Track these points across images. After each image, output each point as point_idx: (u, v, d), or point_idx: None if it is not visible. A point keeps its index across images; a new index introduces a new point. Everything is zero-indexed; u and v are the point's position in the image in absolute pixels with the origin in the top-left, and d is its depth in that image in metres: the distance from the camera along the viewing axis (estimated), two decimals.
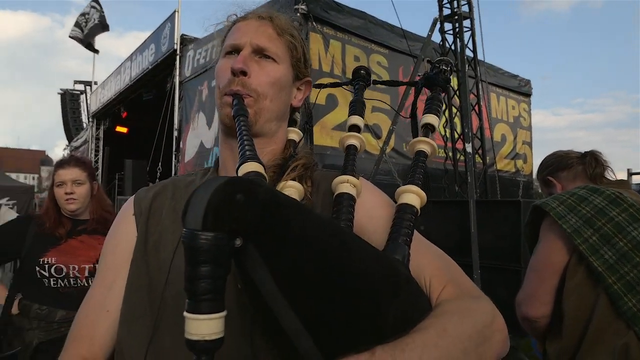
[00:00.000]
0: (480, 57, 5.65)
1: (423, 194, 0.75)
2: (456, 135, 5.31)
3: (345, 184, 0.78)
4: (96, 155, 12.66)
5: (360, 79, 1.00)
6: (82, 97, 16.05)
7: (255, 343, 0.66)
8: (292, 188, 0.77)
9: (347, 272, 0.55)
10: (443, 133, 5.35)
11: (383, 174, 5.28)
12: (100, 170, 12.23)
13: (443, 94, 0.94)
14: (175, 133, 7.78)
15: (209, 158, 6.59)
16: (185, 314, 0.46)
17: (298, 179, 0.79)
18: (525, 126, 7.95)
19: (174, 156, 7.76)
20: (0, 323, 1.90)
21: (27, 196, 9.53)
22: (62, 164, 2.03)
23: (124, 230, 0.83)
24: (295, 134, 0.94)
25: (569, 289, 1.35)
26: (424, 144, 0.82)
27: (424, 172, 0.80)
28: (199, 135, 7.01)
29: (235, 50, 0.82)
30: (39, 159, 75.78)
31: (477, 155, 5.28)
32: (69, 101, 16.00)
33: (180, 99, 7.68)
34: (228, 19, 0.89)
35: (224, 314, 0.46)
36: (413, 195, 0.75)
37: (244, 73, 0.78)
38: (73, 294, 1.91)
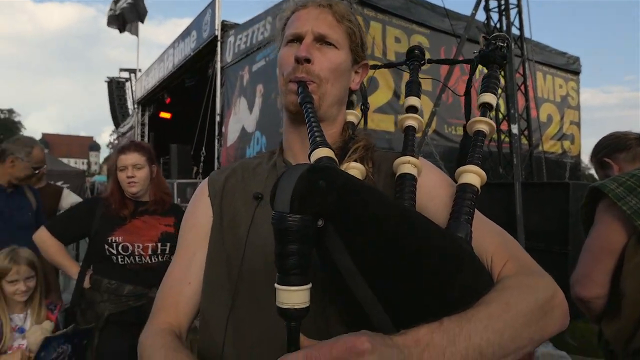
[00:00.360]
0: (527, 34, 5.45)
1: (483, 173, 0.78)
2: (500, 117, 5.19)
3: (407, 165, 0.82)
4: (142, 140, 13.17)
5: (415, 59, 1.02)
6: (127, 84, 16.62)
7: (329, 316, 0.72)
8: (355, 169, 0.81)
9: (415, 249, 0.59)
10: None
11: (425, 156, 5.23)
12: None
13: (500, 71, 0.94)
14: (218, 118, 7.95)
15: (251, 142, 6.71)
16: (276, 285, 0.52)
17: (360, 160, 0.83)
18: (573, 105, 7.62)
19: (216, 140, 7.95)
20: (74, 296, 2.08)
21: (79, 180, 10.05)
22: (124, 149, 2.16)
23: (201, 210, 0.90)
24: (353, 116, 0.98)
25: (627, 270, 1.34)
26: (482, 124, 0.84)
27: (482, 151, 0.83)
28: (241, 119, 7.13)
29: (297, 39, 0.86)
30: (87, 144, 79.23)
31: (522, 137, 5.14)
32: (115, 88, 16.64)
33: (222, 85, 7.82)
34: (286, 7, 0.92)
35: (309, 286, 0.52)
36: (473, 175, 0.78)
37: (308, 60, 0.82)
38: (139, 271, 2.06)
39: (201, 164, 8.24)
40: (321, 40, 0.85)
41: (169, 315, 0.84)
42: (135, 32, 13.84)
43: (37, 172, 2.54)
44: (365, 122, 1.01)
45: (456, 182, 0.79)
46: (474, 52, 0.97)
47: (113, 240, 2.02)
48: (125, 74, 16.87)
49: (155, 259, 2.10)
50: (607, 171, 1.74)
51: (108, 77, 17.03)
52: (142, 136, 13.16)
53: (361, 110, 1.00)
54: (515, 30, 5.23)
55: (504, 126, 5.10)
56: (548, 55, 7.21)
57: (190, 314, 0.86)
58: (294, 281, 0.51)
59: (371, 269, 0.58)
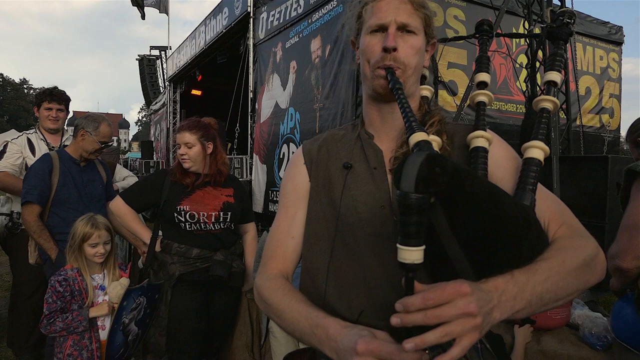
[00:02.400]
0: (567, 4, 5.31)
1: (547, 148, 0.89)
2: (538, 90, 5.12)
3: (480, 139, 0.94)
4: (174, 117, 13.42)
5: (484, 33, 1.11)
6: (158, 62, 16.84)
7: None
8: (433, 142, 0.93)
9: (498, 217, 0.73)
10: (524, 88, 5.18)
11: None
12: None
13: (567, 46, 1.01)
14: (251, 95, 8.07)
15: (284, 118, 6.80)
16: (399, 245, 0.66)
17: (436, 133, 0.96)
18: (614, 78, 7.37)
19: (249, 117, 8.09)
20: (148, 258, 2.30)
21: (113, 156, 10.40)
22: (179, 129, 2.36)
23: (299, 176, 1.06)
24: (427, 91, 1.10)
25: None
26: (547, 102, 0.94)
27: (547, 127, 0.93)
28: (274, 96, 7.21)
29: (381, 29, 0.97)
30: (117, 122, 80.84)
31: (560, 111, 5.08)
32: (146, 66, 16.88)
33: (254, 61, 7.91)
34: None
35: (423, 247, 0.65)
36: (538, 150, 0.89)
37: (395, 49, 0.94)
38: (204, 236, 2.26)
39: (235, 140, 8.42)
40: (403, 28, 0.96)
41: (278, 263, 1.01)
42: (165, 11, 13.98)
43: (104, 147, 2.71)
44: (436, 95, 1.12)
45: (521, 155, 0.91)
46: (541, 26, 1.04)
47: (181, 209, 2.21)
48: (156, 52, 17.09)
49: (218, 226, 2.29)
50: None
51: (139, 55, 17.30)
52: (174, 113, 13.43)
53: (435, 82, 1.11)
54: (555, 1, 5.11)
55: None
56: (589, 26, 6.98)
57: (294, 263, 1.02)
58: (413, 243, 0.64)
59: (462, 233, 0.72)
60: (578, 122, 6.03)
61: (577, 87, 5.62)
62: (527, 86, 4.96)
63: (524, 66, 4.80)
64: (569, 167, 4.03)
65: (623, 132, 7.66)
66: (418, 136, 0.83)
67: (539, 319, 1.94)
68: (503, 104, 6.02)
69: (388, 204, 0.93)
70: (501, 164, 0.94)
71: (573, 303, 2.10)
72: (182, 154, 2.30)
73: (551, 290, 0.75)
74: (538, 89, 5.07)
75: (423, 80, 1.11)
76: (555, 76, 0.95)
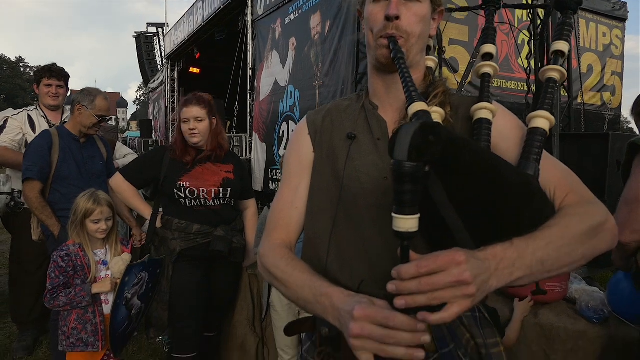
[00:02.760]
0: None
1: (552, 118, 0.87)
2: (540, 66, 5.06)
3: (483, 110, 0.92)
4: (172, 96, 13.32)
5: (491, 4, 1.09)
6: (155, 39, 16.59)
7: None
8: (436, 113, 0.92)
9: (497, 186, 0.73)
10: (526, 65, 5.12)
11: None
12: (177, 111, 12.91)
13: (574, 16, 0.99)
14: (250, 72, 7.99)
15: (284, 96, 6.75)
16: (393, 214, 0.66)
17: (440, 105, 0.94)
18: (617, 55, 7.29)
19: (248, 95, 8.02)
20: (149, 234, 2.31)
21: (113, 135, 10.38)
22: (187, 102, 2.32)
23: (303, 147, 1.06)
24: (431, 62, 1.08)
25: None
26: (554, 72, 0.92)
27: (553, 97, 0.92)
28: (273, 73, 7.14)
29: None
30: (115, 100, 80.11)
31: (562, 88, 5.04)
32: (144, 44, 16.61)
33: (253, 38, 7.80)
34: None
35: (418, 215, 0.66)
36: (543, 120, 0.87)
37: (397, 17, 0.91)
38: (204, 212, 2.27)
39: (235, 118, 8.37)
40: None
41: (282, 233, 1.02)
42: None
43: (101, 121, 2.67)
44: (441, 67, 1.11)
45: (527, 125, 0.90)
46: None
47: (181, 185, 2.21)
48: (153, 29, 16.81)
49: (218, 202, 2.29)
50: None
51: (136, 32, 17.01)
52: (173, 92, 13.30)
53: (437, 55, 1.10)
54: None
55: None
56: (592, 1, 6.86)
57: (297, 233, 1.03)
58: (408, 211, 0.65)
59: (460, 202, 0.72)
60: (579, 100, 5.98)
61: (579, 65, 5.56)
62: (529, 63, 4.91)
63: (527, 42, 4.75)
64: (570, 144, 4.01)
65: (624, 111, 7.63)
66: (417, 106, 0.82)
67: (536, 296, 1.96)
68: (504, 81, 5.97)
69: (391, 175, 0.93)
70: (506, 134, 0.93)
71: (570, 278, 2.12)
72: (192, 129, 2.27)
73: (553, 256, 0.74)
74: (540, 64, 5.02)
75: (428, 50, 1.09)
76: (563, 46, 0.93)
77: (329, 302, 0.79)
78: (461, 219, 0.73)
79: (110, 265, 2.17)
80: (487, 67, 0.98)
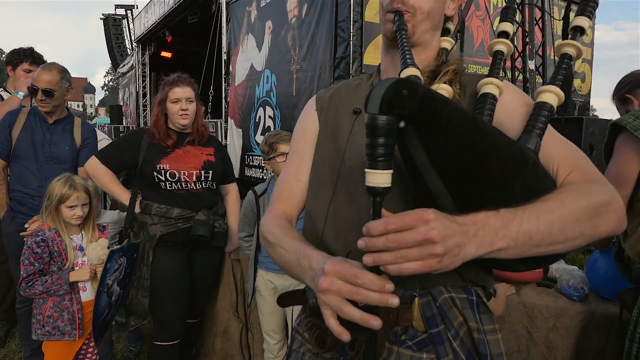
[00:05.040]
0: None
1: (561, 93, 0.83)
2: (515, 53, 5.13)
3: (489, 85, 0.90)
4: (143, 81, 12.95)
5: None
6: (125, 22, 16.05)
7: (408, 204, 0.86)
8: (443, 90, 0.91)
9: (481, 151, 0.71)
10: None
11: None
12: (148, 96, 12.58)
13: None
14: (224, 56, 7.82)
15: (260, 80, 6.64)
16: (366, 170, 0.66)
17: (448, 82, 0.93)
18: (587, 42, 7.46)
19: (223, 79, 7.86)
20: (127, 220, 2.23)
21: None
22: (177, 82, 2.23)
23: (309, 122, 1.08)
24: (447, 42, 1.06)
25: None
26: (570, 47, 0.86)
27: (566, 73, 0.89)
28: (249, 57, 7.00)
29: None
30: (81, 86, 77.49)
31: (537, 75, 5.14)
32: (112, 26, 16.06)
33: (227, 21, 7.62)
34: None
35: (391, 171, 0.66)
36: (551, 95, 0.83)
37: None
38: (185, 196, 2.21)
39: (209, 103, 8.20)
40: None
41: (283, 205, 1.04)
42: None
43: (42, 92, 2.46)
44: (461, 47, 1.09)
45: (534, 100, 0.88)
46: None
47: (161, 168, 2.14)
48: (122, 11, 16.24)
49: (199, 186, 2.24)
50: (627, 107, 1.85)
51: (103, 14, 16.40)
52: (144, 76, 12.94)
53: (457, 35, 1.07)
54: None
55: (518, 63, 5.08)
56: None
57: (299, 205, 1.05)
58: (380, 166, 0.65)
59: (443, 165, 0.71)
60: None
61: (553, 51, 5.67)
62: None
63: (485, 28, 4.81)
64: None
65: (593, 98, 7.84)
66: (408, 71, 0.83)
67: (516, 275, 2.00)
68: (479, 67, 6.03)
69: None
70: (511, 111, 0.90)
71: None
72: (185, 109, 2.21)
73: (543, 230, 0.69)
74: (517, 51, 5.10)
75: (446, 32, 1.07)
76: (584, 22, 0.88)
77: (308, 264, 0.80)
78: (444, 183, 0.72)
79: (87, 251, 2.09)
80: (501, 45, 0.95)
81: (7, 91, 3.02)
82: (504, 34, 0.97)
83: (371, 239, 0.65)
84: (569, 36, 0.89)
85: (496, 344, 0.90)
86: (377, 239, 0.64)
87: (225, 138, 7.58)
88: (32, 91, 2.51)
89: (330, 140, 1.02)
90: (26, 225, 2.24)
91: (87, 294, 2.08)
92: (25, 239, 2.05)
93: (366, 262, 0.65)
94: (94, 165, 2.21)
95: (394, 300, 0.66)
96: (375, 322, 0.66)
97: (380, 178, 0.65)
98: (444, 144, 0.69)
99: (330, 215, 0.95)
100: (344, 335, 0.69)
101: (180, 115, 2.19)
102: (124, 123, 14.21)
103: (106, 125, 15.03)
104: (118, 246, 2.07)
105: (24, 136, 2.49)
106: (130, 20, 15.27)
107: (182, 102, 2.19)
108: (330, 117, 1.04)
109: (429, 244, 0.62)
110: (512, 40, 1.01)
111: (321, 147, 1.04)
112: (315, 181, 1.03)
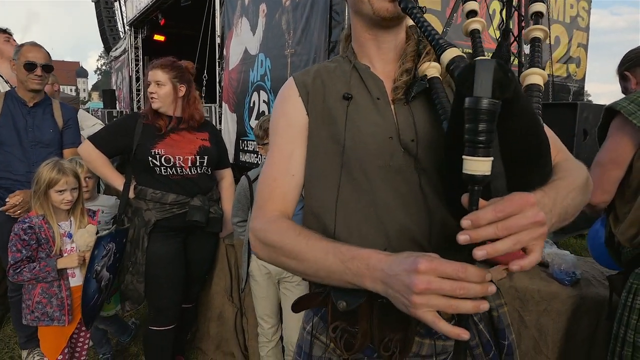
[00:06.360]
0: None
1: (545, 73, 0.86)
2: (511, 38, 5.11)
3: (535, 76, 0.90)
4: (136, 65, 12.78)
5: None
6: (117, 4, 15.77)
7: (430, 203, 0.87)
8: (434, 68, 0.90)
9: (538, 134, 0.74)
10: (497, 36, 5.15)
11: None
12: (141, 80, 12.42)
13: None
14: (218, 40, 7.72)
15: (254, 65, 6.57)
16: (464, 157, 0.62)
17: (435, 60, 0.91)
18: (583, 27, 7.43)
19: (217, 64, 7.77)
20: (121, 205, 2.22)
21: (74, 105, 9.93)
22: (150, 66, 2.22)
23: (294, 111, 0.97)
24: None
25: (638, 166, 1.49)
26: (538, 31, 0.91)
27: (541, 55, 0.91)
28: (243, 41, 6.91)
29: None
30: (74, 70, 76.51)
31: None
32: (104, 9, 15.80)
33: (221, 4, 7.51)
34: None
35: (492, 158, 0.62)
36: (537, 76, 0.86)
37: None
38: (180, 181, 2.20)
39: (203, 88, 8.13)
40: None
41: (278, 204, 0.93)
42: None
43: (32, 67, 2.43)
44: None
45: (521, 84, 0.89)
46: None
47: (156, 153, 2.13)
48: None
49: (194, 171, 2.23)
50: (626, 84, 1.83)
51: None
52: (137, 60, 12.75)
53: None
54: None
55: (513, 48, 5.06)
56: None
57: (294, 203, 0.95)
58: (481, 153, 0.61)
59: (509, 148, 0.71)
60: (547, 72, 6.10)
61: (549, 36, 5.63)
62: (501, 33, 4.94)
63: (500, 12, 4.77)
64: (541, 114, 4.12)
65: (587, 83, 7.84)
66: (452, 52, 0.77)
67: (509, 257, 2.01)
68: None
69: (396, 135, 0.89)
70: None
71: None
72: (152, 92, 2.20)
73: (571, 205, 0.77)
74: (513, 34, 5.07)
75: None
76: (541, 7, 0.93)
77: (364, 264, 0.74)
78: (505, 166, 0.73)
79: (74, 238, 2.08)
80: (476, 23, 0.93)
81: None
82: (472, 13, 0.95)
83: (477, 230, 0.61)
84: (532, 22, 0.91)
85: (505, 317, 0.96)
86: (484, 229, 0.61)
87: (220, 123, 7.53)
88: (30, 67, 2.43)
89: (322, 128, 0.94)
90: (7, 200, 2.22)
91: (77, 280, 2.07)
92: (12, 227, 2.02)
93: (479, 256, 0.61)
94: (87, 149, 2.18)
95: (493, 288, 0.65)
96: (485, 305, 0.64)
97: (481, 165, 0.61)
98: (516, 128, 0.69)
99: (339, 209, 0.89)
100: (465, 334, 0.65)
101: (151, 98, 2.19)
102: (118, 107, 14.08)
103: (99, 109, 14.89)
104: (105, 232, 2.06)
105: (4, 122, 2.43)
106: (122, 2, 14.99)
107: (151, 84, 2.19)
108: (318, 103, 0.96)
109: (538, 227, 0.62)
110: (507, 25, 1.02)
111: (315, 137, 0.95)
112: (313, 175, 0.94)
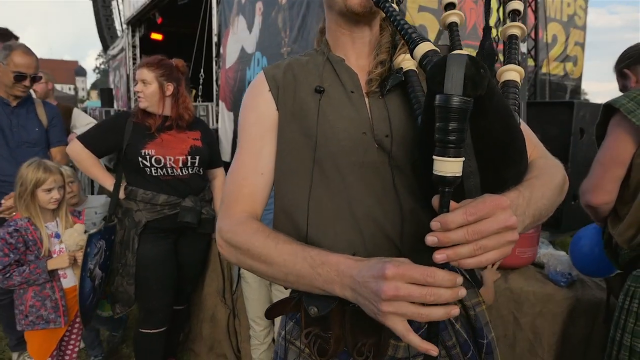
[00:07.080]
0: None
1: (522, 70, 0.84)
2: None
3: (511, 72, 0.88)
4: (134, 63, 12.71)
5: None
6: (114, 3, 15.71)
7: (403, 202, 0.84)
8: (410, 60, 0.87)
9: (512, 130, 0.70)
10: (494, 34, 5.12)
11: None
12: None
13: None
14: (215, 38, 7.68)
15: (251, 63, 6.53)
16: (435, 157, 0.59)
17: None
18: (580, 25, 7.40)
19: (214, 62, 7.73)
20: (111, 206, 2.19)
21: (69, 104, 9.89)
22: (138, 65, 2.19)
23: (264, 106, 0.93)
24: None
25: (637, 164, 1.46)
26: (515, 28, 0.89)
27: (517, 52, 0.89)
28: (240, 40, 6.87)
29: None
30: (72, 69, 76.22)
31: (528, 57, 5.09)
32: (101, 7, 15.72)
33: (218, 3, 7.47)
34: None
35: (463, 158, 0.59)
36: (514, 72, 0.84)
37: None
38: (171, 182, 2.17)
39: (200, 86, 8.09)
40: None
41: (245, 204, 0.89)
42: None
43: (22, 78, 2.38)
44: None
45: (498, 81, 0.86)
46: None
47: (146, 153, 2.09)
48: None
49: (186, 172, 2.19)
50: (625, 81, 1.80)
51: None
52: (134, 59, 12.69)
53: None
54: None
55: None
56: None
57: (263, 203, 0.91)
58: (452, 153, 0.58)
59: (482, 145, 0.68)
60: (544, 70, 6.07)
61: (545, 34, 5.61)
62: (497, 31, 4.90)
63: (496, 10, 4.74)
64: (536, 112, 4.07)
65: (584, 82, 7.81)
66: (425, 47, 0.73)
67: (507, 258, 1.99)
68: (472, 50, 5.97)
69: (370, 130, 0.85)
70: None
71: (539, 243, 2.16)
72: (138, 91, 2.18)
73: (547, 205, 0.76)
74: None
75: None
76: (518, 5, 0.90)
77: (334, 270, 0.71)
78: (478, 164, 0.69)
79: (63, 238, 2.05)
80: (454, 16, 0.90)
81: None
82: (451, 6, 0.93)
83: (447, 234, 0.59)
84: (509, 19, 0.89)
85: (483, 315, 0.93)
86: (454, 233, 0.58)
87: (217, 121, 7.49)
88: (19, 78, 2.38)
89: (293, 123, 0.90)
90: (2, 201, 2.18)
91: (69, 281, 2.06)
92: None
93: (439, 259, 0.59)
94: (76, 149, 2.15)
95: (463, 292, 0.62)
96: (455, 310, 0.63)
97: (452, 166, 0.59)
98: (490, 125, 0.66)
99: (312, 207, 0.85)
100: (434, 351, 0.63)
101: (138, 97, 2.18)
102: (115, 106, 14.02)
103: (97, 108, 14.82)
104: (95, 230, 2.04)
105: None
106: (119, 0, 14.93)
107: (138, 84, 2.17)
108: (289, 97, 0.92)
109: (508, 231, 0.59)
110: (487, 22, 0.99)
111: (285, 132, 0.90)
112: (284, 172, 0.90)
